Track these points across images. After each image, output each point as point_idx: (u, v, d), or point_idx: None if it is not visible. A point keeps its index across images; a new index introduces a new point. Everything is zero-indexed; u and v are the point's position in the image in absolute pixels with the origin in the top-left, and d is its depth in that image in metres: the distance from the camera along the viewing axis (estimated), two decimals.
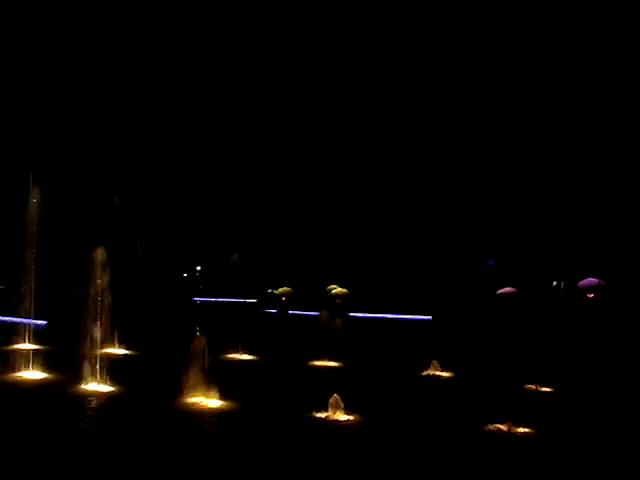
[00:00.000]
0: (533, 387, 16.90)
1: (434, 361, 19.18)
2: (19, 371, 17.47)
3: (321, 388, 14.06)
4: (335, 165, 49.95)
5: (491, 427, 12.99)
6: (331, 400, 13.40)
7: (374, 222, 49.40)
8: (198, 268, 51.31)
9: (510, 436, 12.64)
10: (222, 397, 14.55)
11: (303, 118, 50.39)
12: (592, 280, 43.81)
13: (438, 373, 18.98)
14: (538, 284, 45.83)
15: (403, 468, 10.76)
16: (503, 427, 12.91)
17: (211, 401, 14.44)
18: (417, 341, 27.07)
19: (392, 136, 49.41)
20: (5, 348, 21.26)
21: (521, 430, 12.87)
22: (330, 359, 20.43)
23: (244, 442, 12.04)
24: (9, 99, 44.62)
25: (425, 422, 13.70)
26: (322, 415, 13.49)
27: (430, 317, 37.02)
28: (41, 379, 16.94)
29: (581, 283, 44.35)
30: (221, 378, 15.11)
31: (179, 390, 14.74)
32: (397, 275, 46.35)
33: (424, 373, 19.01)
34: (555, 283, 47.48)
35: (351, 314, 38.15)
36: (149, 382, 17.14)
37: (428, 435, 12.73)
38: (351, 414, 13.54)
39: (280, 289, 43.92)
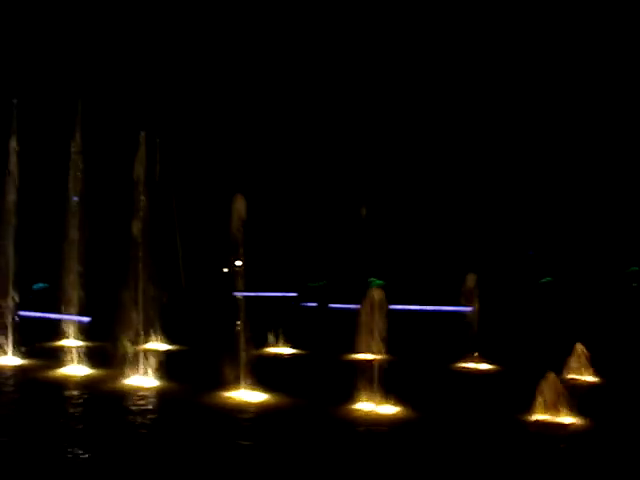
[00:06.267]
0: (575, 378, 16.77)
1: (475, 353, 19.17)
2: (64, 367, 17.84)
3: (365, 380, 14.11)
4: (378, 156, 49.67)
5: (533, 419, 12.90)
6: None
7: (412, 212, 49.17)
8: (239, 263, 51.56)
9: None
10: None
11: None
12: None
13: (477, 366, 18.95)
14: (579, 273, 45.42)
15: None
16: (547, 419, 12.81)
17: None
18: (458, 333, 26.94)
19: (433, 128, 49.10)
20: (50, 344, 21.75)
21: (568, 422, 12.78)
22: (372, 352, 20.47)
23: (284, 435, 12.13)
24: None
25: (466, 415, 13.66)
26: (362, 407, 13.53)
27: (472, 308, 36.69)
28: (86, 374, 17.31)
29: None
30: (262, 372, 15.24)
31: (220, 383, 14.88)
32: (436, 265, 46.10)
33: (462, 365, 19.01)
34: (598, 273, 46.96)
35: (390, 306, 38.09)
36: (192, 376, 17.36)
37: (470, 428, 12.70)
38: (396, 406, 13.57)
39: (318, 282, 44.05)
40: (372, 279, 43.99)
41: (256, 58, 48.90)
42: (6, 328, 19.55)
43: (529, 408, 12.90)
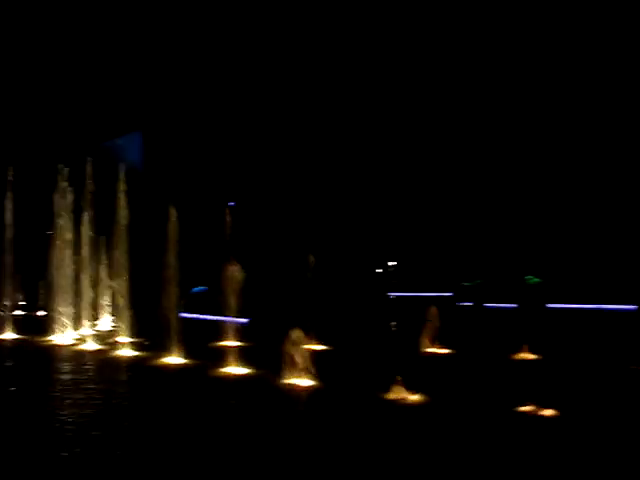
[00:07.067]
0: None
1: None
2: (225, 366, 18.39)
3: (523, 381, 13.68)
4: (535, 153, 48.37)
5: None
6: None
7: (572, 205, 47.45)
8: (392, 263, 51.46)
9: None
10: (419, 392, 14.53)
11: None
12: None
13: None
14: None
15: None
16: None
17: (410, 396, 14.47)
18: (621, 332, 25.76)
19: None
20: (211, 344, 22.54)
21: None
22: (531, 352, 19.92)
23: (444, 437, 11.91)
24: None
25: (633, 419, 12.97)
26: (526, 409, 13.11)
27: (635, 307, 35.17)
28: (245, 374, 17.77)
29: None
30: (418, 372, 15.09)
31: (378, 384, 14.83)
32: (597, 262, 44.29)
33: (632, 367, 18.09)
34: None
35: (549, 305, 37.08)
36: (347, 376, 17.43)
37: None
38: (553, 409, 13.08)
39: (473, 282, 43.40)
40: (529, 277, 42.86)
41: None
42: (170, 329, 20.43)
43: None
